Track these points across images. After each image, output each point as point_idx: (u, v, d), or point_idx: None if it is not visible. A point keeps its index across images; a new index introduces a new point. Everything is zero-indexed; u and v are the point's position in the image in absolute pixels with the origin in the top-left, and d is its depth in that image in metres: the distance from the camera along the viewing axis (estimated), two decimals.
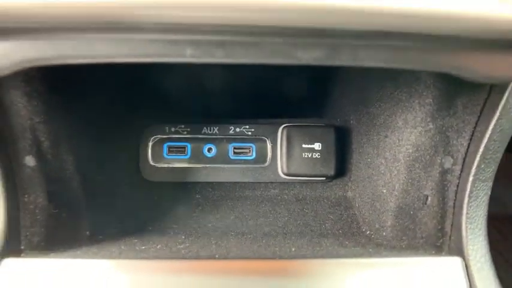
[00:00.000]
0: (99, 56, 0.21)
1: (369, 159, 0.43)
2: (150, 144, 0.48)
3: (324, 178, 0.48)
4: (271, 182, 0.48)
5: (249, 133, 0.49)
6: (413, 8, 0.19)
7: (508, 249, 1.09)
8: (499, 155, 0.30)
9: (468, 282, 0.31)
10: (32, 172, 0.32)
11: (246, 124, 0.48)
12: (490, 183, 0.33)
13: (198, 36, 0.20)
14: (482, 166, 0.31)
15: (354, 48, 0.21)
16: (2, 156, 0.30)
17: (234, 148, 0.49)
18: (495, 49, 0.22)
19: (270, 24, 0.20)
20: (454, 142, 0.32)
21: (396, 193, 0.38)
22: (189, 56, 0.21)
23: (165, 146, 0.49)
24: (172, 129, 0.49)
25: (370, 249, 0.36)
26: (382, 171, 0.40)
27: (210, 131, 0.49)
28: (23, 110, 0.31)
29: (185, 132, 0.49)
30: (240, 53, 0.21)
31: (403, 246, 0.35)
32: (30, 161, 0.31)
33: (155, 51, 0.21)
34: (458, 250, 0.31)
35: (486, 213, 0.34)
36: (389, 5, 0.18)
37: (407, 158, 0.36)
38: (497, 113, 0.28)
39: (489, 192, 0.33)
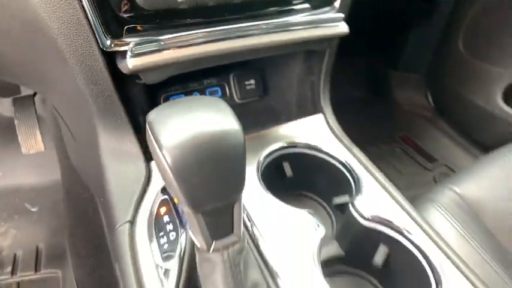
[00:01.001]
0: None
1: (278, 82, 0.87)
2: (162, 98, 0.83)
3: (258, 97, 0.91)
4: (232, 105, 0.89)
5: (215, 82, 0.88)
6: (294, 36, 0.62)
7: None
8: (329, 72, 0.78)
9: (326, 123, 0.80)
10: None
11: (213, 78, 0.87)
12: (329, 84, 0.81)
13: (210, 59, 0.60)
14: (325, 78, 0.78)
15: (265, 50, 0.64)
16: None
17: (209, 92, 0.87)
18: (321, 42, 0.67)
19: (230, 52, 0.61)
20: (314, 70, 0.78)
21: (295, 96, 0.84)
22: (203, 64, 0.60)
23: (171, 98, 0.84)
24: (173, 89, 0.84)
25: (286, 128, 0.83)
26: (287, 87, 0.86)
27: (194, 85, 0.86)
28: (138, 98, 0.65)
29: (181, 89, 0.85)
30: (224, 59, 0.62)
31: (302, 115, 0.82)
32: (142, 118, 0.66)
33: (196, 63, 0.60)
34: (322, 111, 0.80)
35: (329, 97, 0.83)
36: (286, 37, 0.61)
37: (297, 79, 0.82)
38: (326, 58, 0.74)
39: (329, 86, 0.81)
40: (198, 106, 0.42)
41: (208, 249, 0.43)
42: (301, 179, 0.76)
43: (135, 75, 0.57)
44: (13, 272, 1.28)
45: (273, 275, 0.50)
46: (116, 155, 0.64)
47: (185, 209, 0.41)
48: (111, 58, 0.57)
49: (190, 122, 0.39)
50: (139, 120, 0.67)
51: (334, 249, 0.65)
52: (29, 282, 1.27)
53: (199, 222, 0.41)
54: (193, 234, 0.44)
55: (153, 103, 0.81)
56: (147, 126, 0.41)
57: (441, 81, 1.83)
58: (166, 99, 0.84)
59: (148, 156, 0.65)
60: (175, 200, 0.57)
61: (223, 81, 0.88)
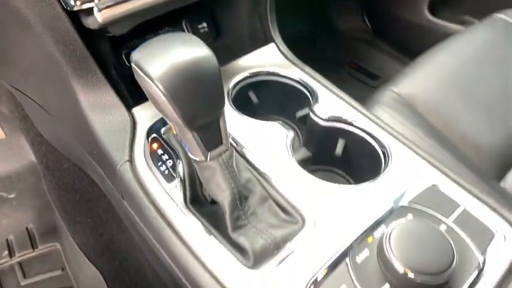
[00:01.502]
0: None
1: (229, 21, 0.93)
2: (124, 54, 0.87)
3: (212, 39, 0.98)
4: None
5: (170, 30, 0.93)
6: None
7: None
8: (274, 2, 0.86)
9: (279, 51, 0.89)
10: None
11: (167, 27, 0.92)
12: (275, 15, 0.89)
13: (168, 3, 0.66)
14: (271, 8, 0.86)
15: None
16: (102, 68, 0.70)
17: None
18: None
19: None
20: (261, 2, 0.85)
21: (246, 31, 0.92)
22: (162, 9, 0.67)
23: (131, 51, 0.89)
24: (132, 43, 0.88)
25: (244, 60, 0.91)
26: (237, 24, 0.92)
27: (151, 37, 0.90)
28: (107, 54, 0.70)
29: (139, 42, 0.89)
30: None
31: (255, 48, 0.90)
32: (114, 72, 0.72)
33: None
34: (273, 40, 0.89)
35: (279, 33, 0.91)
36: None
37: (246, 14, 0.89)
38: None
39: (276, 18, 0.89)
40: (174, 41, 0.50)
41: (206, 159, 0.53)
42: (266, 104, 0.86)
43: (102, 29, 0.62)
44: (11, 255, 1.33)
45: (260, 173, 0.61)
46: (99, 109, 0.70)
47: (181, 130, 0.50)
48: (75, 17, 0.62)
49: (171, 54, 0.47)
50: (112, 74, 0.72)
51: (302, 153, 0.78)
52: (30, 260, 1.33)
53: (195, 138, 0.51)
54: (191, 152, 0.54)
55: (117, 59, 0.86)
56: (133, 65, 0.49)
57: (375, 4, 1.95)
58: (127, 55, 0.88)
59: (128, 105, 0.72)
60: (170, 135, 0.65)
61: (177, 28, 0.93)
